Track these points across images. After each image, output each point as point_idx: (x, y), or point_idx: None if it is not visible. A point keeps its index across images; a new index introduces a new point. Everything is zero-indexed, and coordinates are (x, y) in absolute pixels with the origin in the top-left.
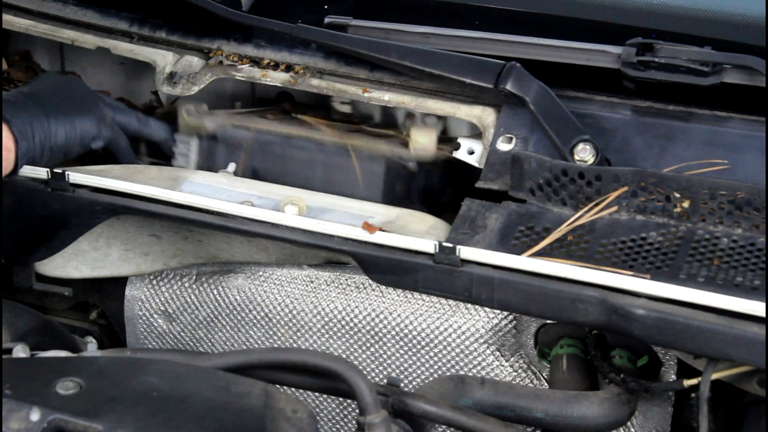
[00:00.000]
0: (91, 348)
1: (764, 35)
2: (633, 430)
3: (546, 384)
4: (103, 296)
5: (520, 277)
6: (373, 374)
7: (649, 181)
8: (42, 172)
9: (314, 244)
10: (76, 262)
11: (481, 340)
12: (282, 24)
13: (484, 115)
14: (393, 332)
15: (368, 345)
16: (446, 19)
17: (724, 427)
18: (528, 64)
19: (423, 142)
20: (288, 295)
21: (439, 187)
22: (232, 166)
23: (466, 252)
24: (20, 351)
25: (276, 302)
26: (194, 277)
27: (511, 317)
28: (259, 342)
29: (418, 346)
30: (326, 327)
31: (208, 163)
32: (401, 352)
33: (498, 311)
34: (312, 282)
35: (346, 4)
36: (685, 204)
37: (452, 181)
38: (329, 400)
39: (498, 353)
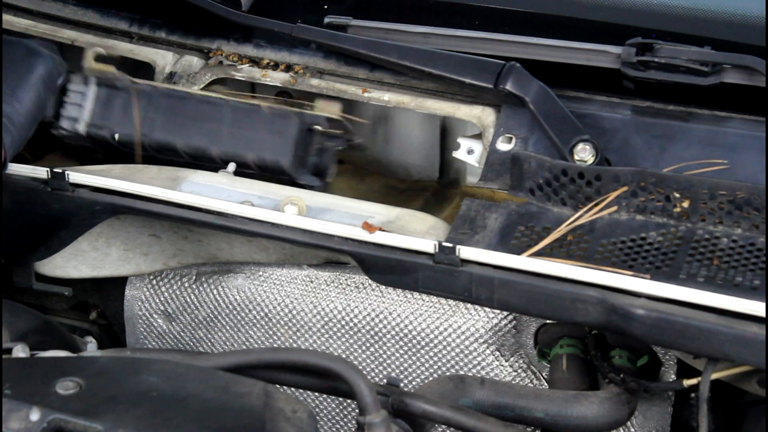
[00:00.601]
0: (91, 348)
1: (764, 35)
2: (633, 430)
3: (546, 384)
4: (103, 296)
5: (520, 277)
6: (373, 374)
7: (649, 181)
8: (42, 172)
9: (314, 244)
10: (75, 262)
11: (481, 340)
12: (282, 24)
13: (483, 115)
14: (393, 332)
15: (368, 345)
16: (446, 19)
17: (724, 427)
18: (528, 64)
19: (328, 110)
20: (288, 295)
21: (327, 164)
22: (231, 166)
23: (465, 252)
24: (20, 351)
25: (276, 302)
26: (194, 277)
27: (510, 317)
28: (259, 342)
29: (418, 346)
30: (326, 327)
31: (103, 114)
32: (401, 352)
33: (498, 311)
34: (312, 282)
35: (346, 4)
36: (685, 204)
37: (337, 161)
38: (329, 400)
39: (498, 353)
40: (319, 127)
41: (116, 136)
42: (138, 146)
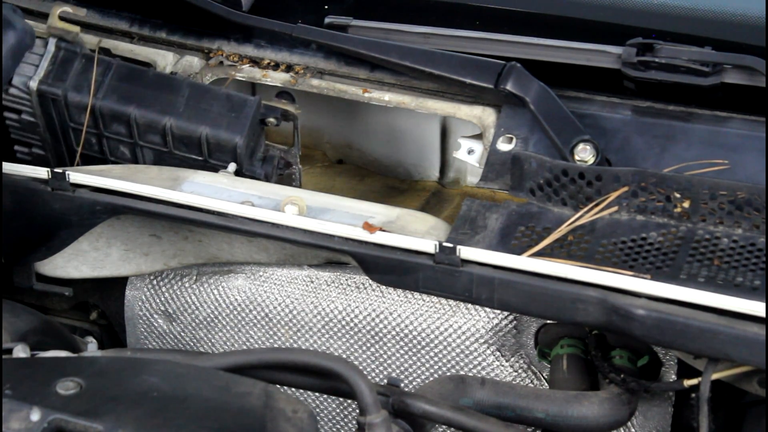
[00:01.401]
0: (91, 348)
1: (764, 35)
2: (633, 430)
3: (546, 384)
4: (104, 296)
5: (521, 277)
6: (373, 374)
7: (650, 181)
8: (42, 172)
9: (315, 244)
10: (76, 262)
11: (482, 340)
12: (282, 24)
13: (484, 115)
14: (393, 332)
15: (368, 345)
16: (446, 19)
17: (724, 427)
18: (528, 64)
19: (283, 106)
20: (288, 295)
21: (270, 172)
22: (232, 166)
23: (466, 252)
24: (20, 351)
25: (276, 302)
26: (194, 277)
27: (511, 317)
28: (260, 342)
29: (418, 346)
30: (326, 327)
31: (59, 73)
32: (401, 352)
33: (498, 311)
34: (312, 282)
35: (346, 4)
36: (686, 204)
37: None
38: (329, 400)
39: (498, 353)
40: (273, 120)
41: (68, 94)
42: (88, 112)
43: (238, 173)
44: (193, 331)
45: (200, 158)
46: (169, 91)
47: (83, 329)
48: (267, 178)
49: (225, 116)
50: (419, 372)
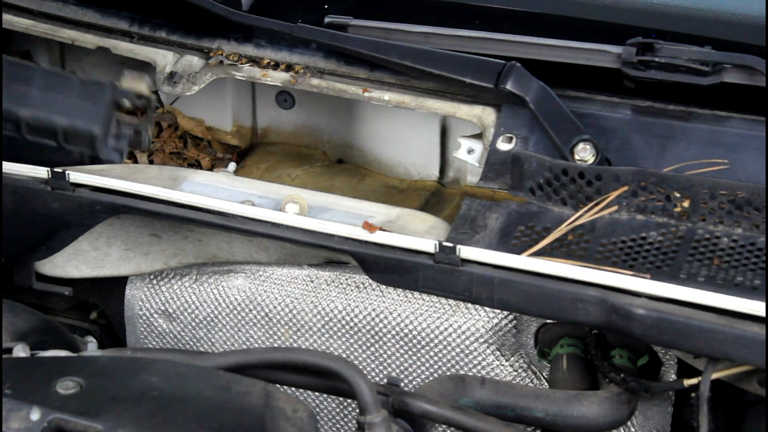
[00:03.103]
0: (91, 348)
1: (764, 35)
2: (633, 429)
3: (546, 384)
4: (103, 296)
5: (521, 277)
6: (373, 374)
7: (650, 181)
8: (42, 172)
9: (315, 244)
10: (76, 261)
11: (481, 340)
12: (282, 24)
13: (484, 115)
14: (393, 332)
15: (368, 345)
16: (446, 19)
17: (724, 427)
18: (528, 63)
19: (137, 86)
20: (288, 294)
21: (122, 148)
22: (232, 166)
23: (466, 251)
24: (20, 350)
25: (276, 302)
26: (194, 276)
27: (511, 317)
28: (259, 342)
29: (418, 346)
30: (326, 327)
31: None
32: (401, 351)
33: (498, 311)
34: (312, 282)
35: (346, 4)
36: (685, 204)
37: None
38: (329, 400)
39: (498, 353)
40: (126, 102)
41: None
42: None
43: (94, 161)
44: (193, 331)
45: (54, 144)
46: (23, 80)
47: (83, 329)
48: (121, 154)
49: (81, 106)
50: (419, 372)
